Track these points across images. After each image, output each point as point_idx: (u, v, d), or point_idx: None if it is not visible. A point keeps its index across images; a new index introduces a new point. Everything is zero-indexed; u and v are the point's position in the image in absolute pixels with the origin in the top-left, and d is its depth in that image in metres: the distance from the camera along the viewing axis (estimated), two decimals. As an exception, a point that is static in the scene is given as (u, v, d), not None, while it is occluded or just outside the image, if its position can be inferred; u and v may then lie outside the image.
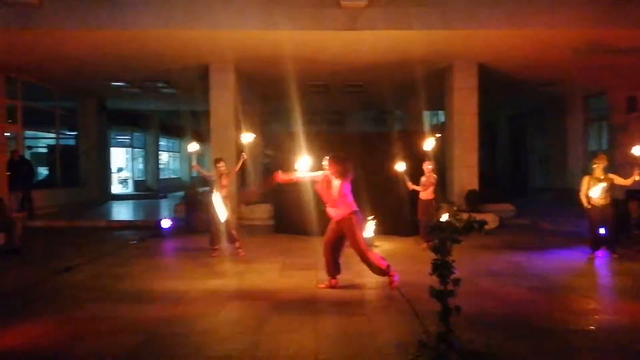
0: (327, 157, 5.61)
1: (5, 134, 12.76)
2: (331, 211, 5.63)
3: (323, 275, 5.86)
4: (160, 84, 14.72)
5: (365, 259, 5.57)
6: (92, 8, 9.07)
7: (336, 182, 5.54)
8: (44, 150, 17.11)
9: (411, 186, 8.43)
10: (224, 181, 7.71)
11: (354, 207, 5.59)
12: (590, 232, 7.53)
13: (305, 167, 5.81)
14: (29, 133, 15.36)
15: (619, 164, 11.61)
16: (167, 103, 18.99)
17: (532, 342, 4.04)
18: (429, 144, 8.26)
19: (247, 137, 8.12)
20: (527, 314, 4.78)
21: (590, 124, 16.60)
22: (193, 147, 7.85)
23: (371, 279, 5.92)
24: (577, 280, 6.27)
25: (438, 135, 10.60)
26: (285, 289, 5.74)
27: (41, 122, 15.74)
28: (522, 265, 7.19)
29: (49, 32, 9.43)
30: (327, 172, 5.60)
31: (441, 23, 9.32)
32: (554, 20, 9.25)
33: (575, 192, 7.78)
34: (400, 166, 8.28)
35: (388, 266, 5.61)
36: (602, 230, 7.43)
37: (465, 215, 3.39)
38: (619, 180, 7.35)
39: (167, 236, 9.82)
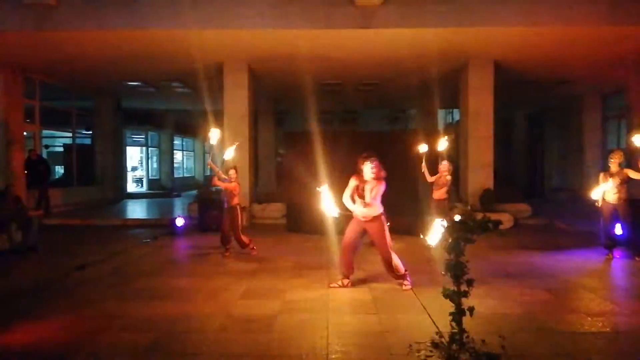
0: (370, 160, 5.45)
1: (24, 133, 12.96)
2: (360, 212, 5.54)
3: (335, 274, 5.84)
4: (175, 84, 14.82)
5: (388, 261, 5.54)
6: (107, 8, 9.14)
7: (371, 184, 5.46)
8: (61, 149, 17.37)
9: (424, 168, 8.38)
10: (235, 190, 7.73)
11: (382, 209, 5.56)
12: (603, 229, 7.38)
13: (330, 201, 5.49)
14: (46, 132, 15.61)
15: (635, 163, 11.37)
16: (182, 102, 19.11)
17: (547, 343, 3.98)
18: (442, 144, 8.20)
19: (230, 153, 7.76)
20: (542, 315, 4.72)
21: (608, 122, 16.32)
22: (215, 134, 7.62)
23: (383, 279, 5.89)
24: (593, 281, 6.15)
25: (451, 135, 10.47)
26: (297, 288, 5.73)
27: (58, 121, 16.00)
28: (537, 265, 7.08)
29: (65, 32, 9.52)
30: (366, 174, 5.47)
31: (456, 21, 9.21)
32: (571, 17, 9.08)
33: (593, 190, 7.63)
34: (422, 147, 8.26)
35: (406, 271, 5.64)
36: (617, 229, 7.26)
37: (479, 215, 3.35)
38: (633, 174, 7.16)
39: (181, 235, 9.88)
